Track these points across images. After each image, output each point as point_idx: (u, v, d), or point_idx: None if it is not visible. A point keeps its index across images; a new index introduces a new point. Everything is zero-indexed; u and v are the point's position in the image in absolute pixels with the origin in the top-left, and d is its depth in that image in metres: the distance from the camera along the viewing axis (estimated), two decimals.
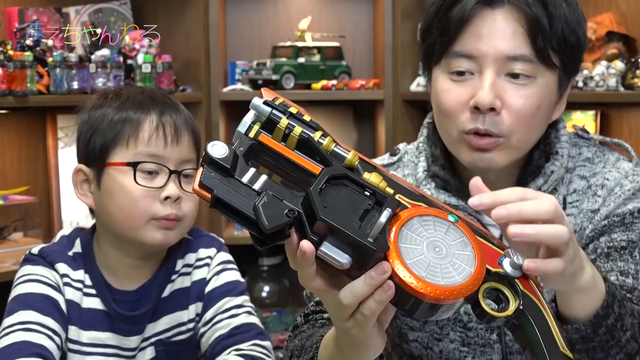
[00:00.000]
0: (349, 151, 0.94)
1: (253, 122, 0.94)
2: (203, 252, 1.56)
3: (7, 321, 1.42)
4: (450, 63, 1.28)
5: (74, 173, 1.51)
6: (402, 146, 1.48)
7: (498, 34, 1.25)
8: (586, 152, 1.38)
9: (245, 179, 0.91)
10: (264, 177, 0.91)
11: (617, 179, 1.33)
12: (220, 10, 2.87)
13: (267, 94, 0.97)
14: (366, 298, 0.91)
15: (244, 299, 1.55)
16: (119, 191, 1.45)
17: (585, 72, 2.74)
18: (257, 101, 0.94)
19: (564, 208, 1.33)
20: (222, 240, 1.61)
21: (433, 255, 0.90)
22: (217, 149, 0.91)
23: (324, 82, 2.93)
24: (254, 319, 1.53)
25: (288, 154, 0.94)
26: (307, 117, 0.95)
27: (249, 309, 1.54)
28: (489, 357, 1.36)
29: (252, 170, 0.91)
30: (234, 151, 0.92)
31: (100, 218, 1.50)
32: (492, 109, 1.24)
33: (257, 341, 1.49)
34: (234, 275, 1.57)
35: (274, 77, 2.88)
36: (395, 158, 1.45)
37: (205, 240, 1.58)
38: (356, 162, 0.93)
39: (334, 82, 2.93)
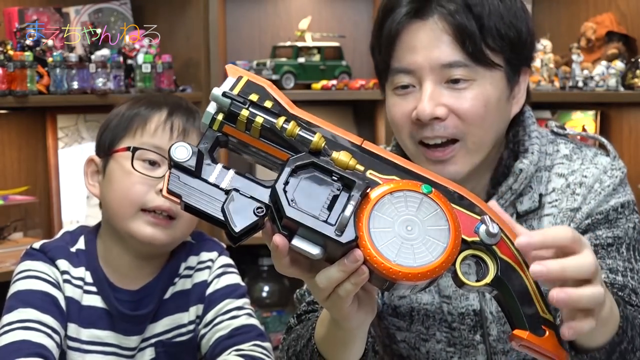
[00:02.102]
0: (314, 134, 0.92)
1: (216, 113, 0.92)
2: (205, 255, 1.56)
3: (6, 319, 1.42)
4: (393, 80, 1.30)
5: (86, 163, 1.53)
6: None
7: (430, 44, 1.25)
8: (564, 149, 1.37)
9: (212, 178, 0.90)
10: (231, 173, 0.91)
11: (595, 175, 1.33)
12: (220, 10, 2.87)
13: (232, 71, 0.95)
14: (342, 281, 0.93)
15: (244, 301, 1.55)
16: (118, 175, 1.46)
17: (585, 72, 2.74)
18: (216, 91, 0.92)
19: (541, 207, 1.32)
20: (224, 245, 1.61)
21: (405, 235, 0.89)
22: (180, 152, 0.90)
23: (324, 82, 2.93)
24: (254, 321, 1.53)
25: (254, 143, 0.92)
26: (268, 104, 0.92)
27: (249, 311, 1.54)
28: (474, 357, 1.36)
29: (219, 167, 0.91)
30: (198, 150, 0.91)
31: (103, 209, 1.51)
32: (437, 118, 1.24)
33: (258, 342, 1.49)
34: (235, 278, 1.57)
35: (274, 77, 2.88)
36: None
37: (208, 244, 1.58)
38: (323, 144, 0.91)
39: (334, 82, 2.93)
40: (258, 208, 0.89)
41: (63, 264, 1.48)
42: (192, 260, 1.55)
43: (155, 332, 1.51)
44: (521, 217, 1.33)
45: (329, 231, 0.87)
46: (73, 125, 2.69)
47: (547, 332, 0.93)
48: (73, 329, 1.47)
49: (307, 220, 0.88)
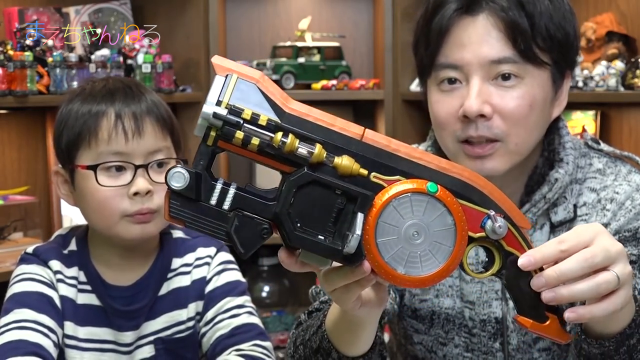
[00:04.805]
0: (314, 144, 0.89)
1: (209, 129, 0.87)
2: (202, 252, 1.56)
3: (3, 320, 1.43)
4: (438, 75, 1.28)
5: (53, 175, 1.51)
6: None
7: (479, 40, 1.24)
8: (597, 163, 1.36)
9: (213, 200, 0.88)
10: (232, 191, 0.88)
11: (627, 192, 1.31)
12: (220, 10, 2.87)
13: (219, 68, 0.89)
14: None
15: (245, 299, 1.55)
16: (88, 193, 1.45)
17: (585, 72, 2.74)
18: (207, 109, 0.86)
19: (574, 218, 1.32)
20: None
21: (411, 242, 0.90)
22: (177, 179, 0.87)
23: (324, 82, 2.93)
24: (255, 320, 1.53)
25: (252, 157, 0.89)
26: (263, 119, 0.87)
27: (250, 309, 1.54)
28: None
29: (219, 187, 0.88)
30: (195, 173, 0.88)
31: (84, 217, 1.51)
32: (482, 116, 1.24)
33: (258, 341, 1.49)
34: (235, 275, 1.57)
35: (274, 77, 2.88)
36: None
37: (204, 239, 1.58)
38: (324, 155, 0.89)
39: (334, 82, 2.94)
40: (264, 229, 0.88)
41: (55, 264, 1.49)
42: (189, 257, 1.55)
43: (153, 329, 1.52)
44: (555, 228, 1.32)
45: (337, 253, 0.89)
46: None
47: (550, 319, 0.96)
48: (70, 328, 1.48)
49: (312, 246, 0.88)
